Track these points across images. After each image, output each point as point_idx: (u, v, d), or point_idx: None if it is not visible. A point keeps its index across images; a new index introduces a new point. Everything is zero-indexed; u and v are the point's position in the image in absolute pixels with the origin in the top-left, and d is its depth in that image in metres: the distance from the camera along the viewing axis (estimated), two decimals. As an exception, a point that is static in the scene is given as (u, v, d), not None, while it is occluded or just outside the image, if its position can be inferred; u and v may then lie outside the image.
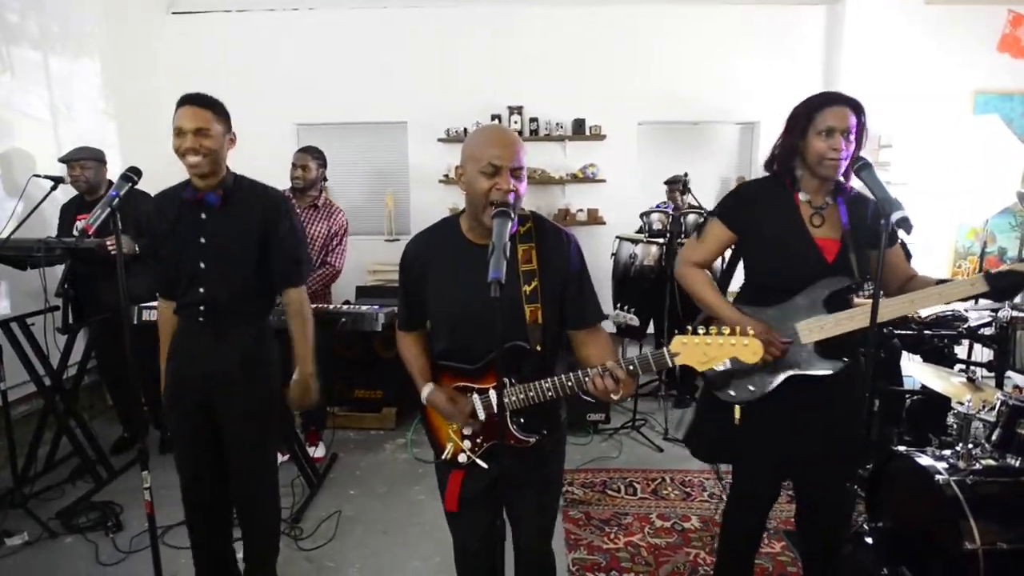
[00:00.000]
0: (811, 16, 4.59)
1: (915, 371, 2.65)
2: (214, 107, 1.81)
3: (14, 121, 3.41)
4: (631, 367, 1.33)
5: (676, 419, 3.84)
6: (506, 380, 1.41)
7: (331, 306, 3.07)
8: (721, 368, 1.79)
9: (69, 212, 3.17)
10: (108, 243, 2.83)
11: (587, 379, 1.36)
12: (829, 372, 1.67)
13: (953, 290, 1.60)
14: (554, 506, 1.68)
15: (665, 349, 1.31)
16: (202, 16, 4.64)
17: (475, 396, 1.48)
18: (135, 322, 2.85)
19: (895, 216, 1.37)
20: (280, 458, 3.26)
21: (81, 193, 3.14)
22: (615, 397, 1.34)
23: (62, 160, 3.14)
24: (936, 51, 4.42)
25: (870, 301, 1.58)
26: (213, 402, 1.90)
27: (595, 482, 3.10)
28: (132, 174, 1.65)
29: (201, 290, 1.86)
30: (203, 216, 1.85)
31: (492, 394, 1.45)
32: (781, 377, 1.70)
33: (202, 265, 1.85)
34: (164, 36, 4.60)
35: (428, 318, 1.55)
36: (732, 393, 1.77)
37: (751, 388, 1.74)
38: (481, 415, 1.48)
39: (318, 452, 3.42)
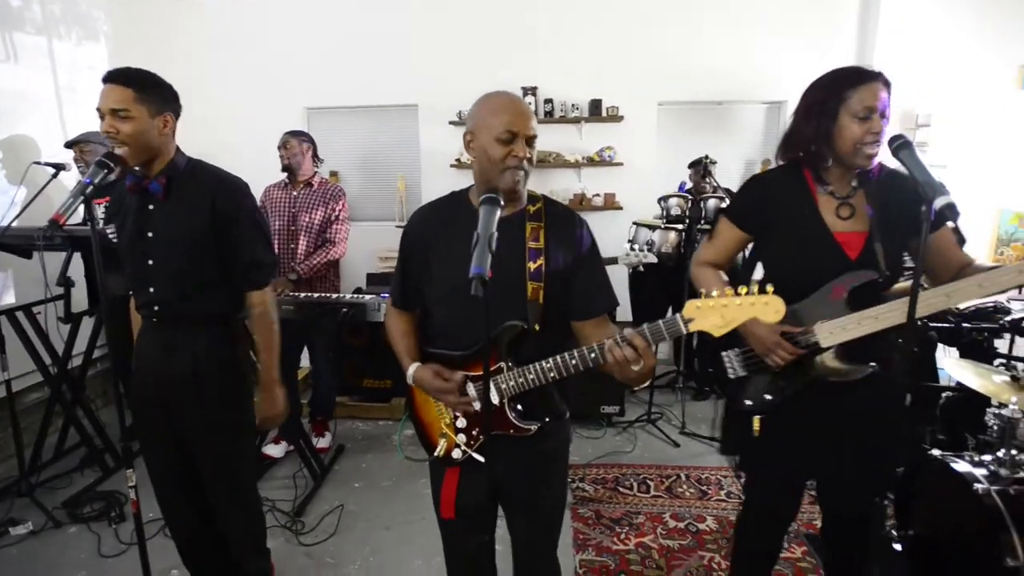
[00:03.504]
0: (844, -13, 4.31)
1: (952, 368, 2.47)
2: (138, 84, 1.57)
3: (19, 108, 3.37)
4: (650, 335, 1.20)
5: (694, 413, 3.69)
6: (502, 364, 1.32)
7: (335, 295, 2.99)
8: (731, 373, 1.67)
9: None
10: (108, 231, 2.78)
11: (600, 352, 1.22)
12: (854, 378, 1.50)
13: (997, 279, 1.35)
14: (557, 520, 1.57)
15: (678, 315, 1.18)
16: (210, -1, 4.55)
17: (469, 384, 1.38)
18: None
19: (939, 202, 1.20)
20: (284, 449, 3.24)
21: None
22: (635, 368, 1.20)
23: (68, 144, 3.10)
24: (981, 23, 4.10)
25: (898, 296, 1.43)
26: (173, 408, 1.76)
27: (607, 478, 2.99)
28: (109, 161, 1.56)
29: (151, 289, 1.70)
30: (150, 207, 1.67)
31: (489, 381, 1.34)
32: (800, 383, 1.55)
33: (150, 262, 1.68)
34: (172, 19, 4.52)
35: (425, 298, 1.45)
36: (748, 403, 1.62)
37: (768, 397, 1.59)
38: (477, 404, 1.38)
39: (324, 442, 3.37)
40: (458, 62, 4.48)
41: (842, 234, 1.50)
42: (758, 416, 1.61)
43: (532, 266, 1.32)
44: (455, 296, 1.28)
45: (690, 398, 3.95)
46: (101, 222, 2.93)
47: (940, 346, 2.94)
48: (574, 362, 1.26)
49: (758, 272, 1.73)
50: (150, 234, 1.68)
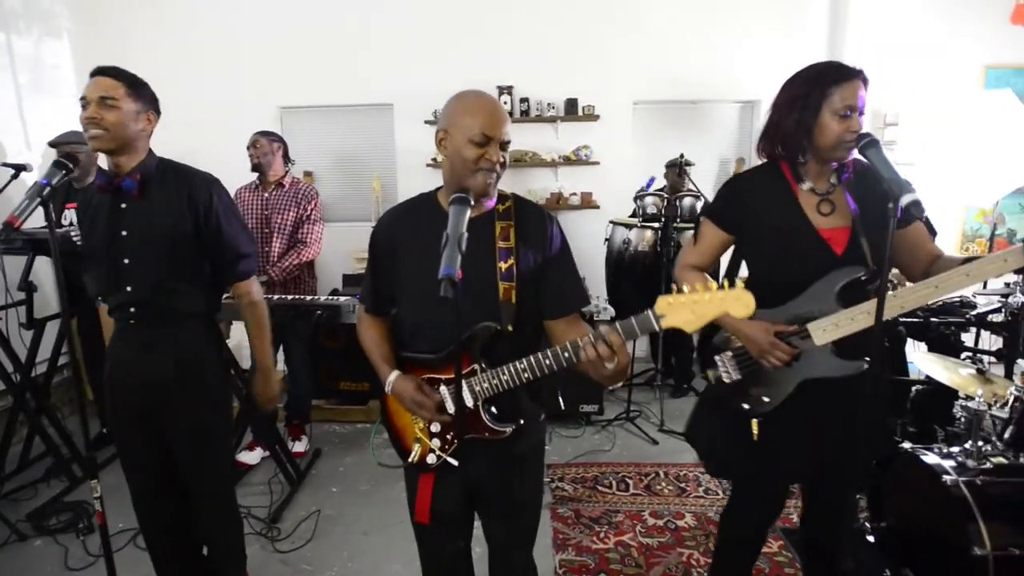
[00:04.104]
0: (814, -12, 4.38)
1: (921, 362, 2.52)
2: (128, 81, 1.63)
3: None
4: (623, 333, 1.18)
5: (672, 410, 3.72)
6: (476, 367, 1.31)
7: (309, 297, 2.94)
8: (727, 378, 1.66)
9: (57, 200, 3.03)
10: (73, 235, 2.71)
11: (574, 351, 1.21)
12: (850, 374, 1.50)
13: (983, 268, 1.37)
14: (533, 521, 1.56)
15: (649, 311, 1.16)
16: (178, -6, 4.45)
17: (443, 388, 1.36)
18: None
19: (905, 199, 1.21)
20: (260, 455, 3.18)
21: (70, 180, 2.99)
22: (609, 367, 1.18)
23: (52, 144, 3.01)
24: (945, 24, 4.21)
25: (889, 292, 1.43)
26: (153, 411, 1.75)
27: (586, 477, 2.99)
28: (67, 161, 1.52)
29: (128, 288, 1.68)
30: (123, 206, 1.66)
31: (463, 384, 1.32)
32: (795, 383, 1.55)
33: (126, 261, 1.67)
34: (138, 16, 4.41)
35: (396, 300, 1.44)
36: (746, 406, 1.61)
37: (765, 399, 1.58)
38: (451, 407, 1.36)
39: (300, 447, 3.31)
40: (433, 61, 4.45)
41: (826, 231, 1.50)
42: (756, 419, 1.60)
43: (503, 266, 1.30)
44: (426, 298, 1.26)
45: (668, 395, 3.98)
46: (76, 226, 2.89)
47: (909, 340, 3.00)
48: (548, 362, 1.24)
49: (742, 272, 1.74)
50: (124, 233, 1.67)
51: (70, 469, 3.01)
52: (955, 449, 1.95)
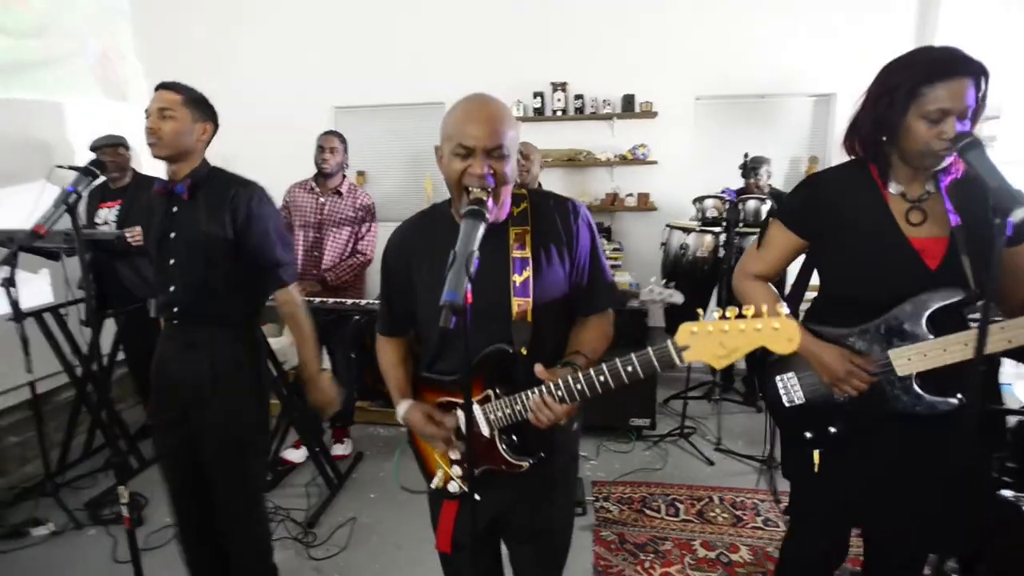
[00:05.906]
0: (903, -34, 3.97)
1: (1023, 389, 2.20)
2: (185, 93, 1.71)
3: (47, 111, 3.44)
4: (578, 385, 1.10)
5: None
6: (490, 393, 1.20)
7: (349, 301, 2.91)
8: (787, 401, 1.47)
9: (92, 200, 3.16)
10: (128, 234, 2.79)
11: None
12: (933, 413, 1.29)
13: None
14: (562, 554, 1.44)
15: (670, 342, 1.00)
16: (239, -1, 4.57)
17: (459, 412, 1.26)
18: (152, 315, 2.81)
19: (1019, 214, 0.99)
20: (305, 453, 3.18)
21: (105, 180, 3.11)
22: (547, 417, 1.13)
23: (93, 147, 3.13)
24: (1059, 3, 3.73)
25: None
26: (189, 411, 1.78)
27: (633, 498, 2.81)
28: (95, 167, 1.55)
29: (172, 288, 1.75)
30: (174, 209, 1.74)
31: (477, 409, 1.22)
32: (869, 416, 1.35)
33: (172, 261, 1.74)
34: (201, 20, 4.56)
35: (414, 321, 1.34)
36: (808, 435, 1.43)
37: (831, 429, 1.39)
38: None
39: (344, 449, 3.30)
40: (486, 58, 4.36)
41: (919, 240, 1.28)
42: (818, 450, 1.42)
43: (518, 280, 1.18)
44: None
45: (733, 406, 3.70)
46: (113, 225, 3.02)
47: (1007, 361, 2.64)
48: (559, 394, 1.12)
49: (813, 280, 1.54)
50: (172, 234, 1.75)
51: (127, 461, 3.12)
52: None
